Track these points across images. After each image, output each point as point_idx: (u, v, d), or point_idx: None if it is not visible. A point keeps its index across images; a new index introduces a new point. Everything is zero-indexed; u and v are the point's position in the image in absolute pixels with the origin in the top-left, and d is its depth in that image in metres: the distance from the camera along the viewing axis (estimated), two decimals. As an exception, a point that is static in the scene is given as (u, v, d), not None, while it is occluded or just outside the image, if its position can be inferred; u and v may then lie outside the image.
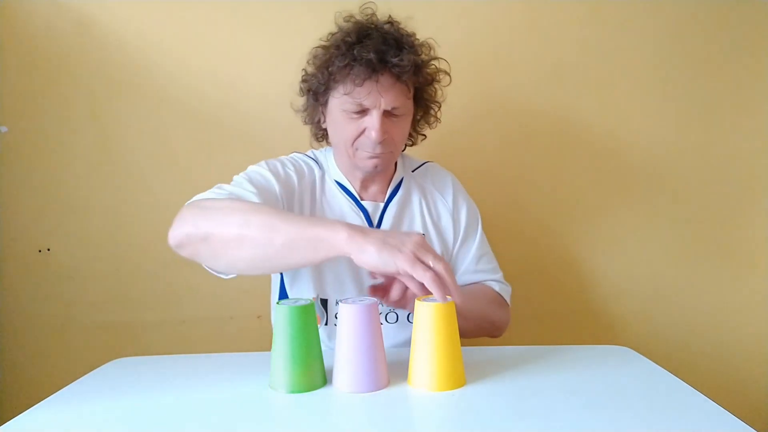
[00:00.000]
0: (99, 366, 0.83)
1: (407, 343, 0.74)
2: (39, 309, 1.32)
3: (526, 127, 1.39)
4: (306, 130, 1.05)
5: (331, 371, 0.73)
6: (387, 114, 0.89)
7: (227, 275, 0.80)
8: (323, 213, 0.97)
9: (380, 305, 0.96)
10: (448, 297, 0.69)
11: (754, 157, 1.41)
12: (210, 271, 0.80)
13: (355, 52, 0.86)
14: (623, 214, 1.42)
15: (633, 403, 0.67)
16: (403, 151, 1.05)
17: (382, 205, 0.99)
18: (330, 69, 0.89)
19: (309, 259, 0.71)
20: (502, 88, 1.38)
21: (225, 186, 0.86)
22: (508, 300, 1.04)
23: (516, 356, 0.84)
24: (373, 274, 0.74)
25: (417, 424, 0.64)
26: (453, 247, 1.03)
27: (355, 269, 0.95)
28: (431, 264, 0.67)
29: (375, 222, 0.98)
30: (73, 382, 0.77)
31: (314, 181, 0.99)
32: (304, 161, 1.00)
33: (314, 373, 0.72)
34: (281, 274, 0.99)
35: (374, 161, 0.92)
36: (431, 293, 0.67)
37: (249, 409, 0.67)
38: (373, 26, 0.90)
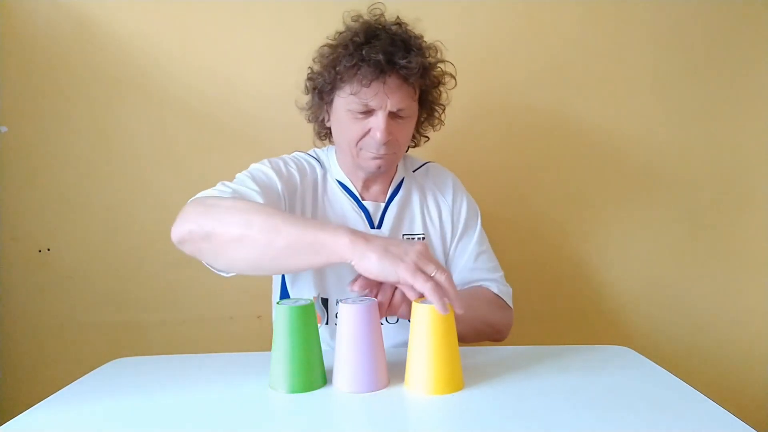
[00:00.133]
0: (99, 366, 0.83)
1: (407, 344, 0.74)
2: (39, 309, 1.32)
3: (526, 127, 1.39)
4: (307, 130, 1.05)
5: (331, 371, 0.73)
6: (392, 115, 0.89)
7: (228, 273, 0.80)
8: (324, 212, 0.97)
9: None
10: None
11: (755, 157, 1.41)
12: (211, 268, 0.80)
13: (363, 52, 0.85)
14: (623, 214, 1.43)
15: (633, 403, 0.67)
16: (406, 152, 1.05)
17: (383, 205, 0.99)
18: (337, 68, 0.89)
19: (309, 263, 0.71)
20: (503, 88, 1.38)
21: (229, 183, 0.86)
22: (509, 302, 1.01)
23: (516, 356, 0.84)
24: (366, 283, 0.73)
25: (417, 425, 0.64)
26: (451, 243, 1.02)
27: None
28: (433, 274, 0.66)
29: (376, 222, 0.98)
30: (73, 382, 0.77)
31: (316, 180, 0.99)
32: (306, 160, 1.00)
33: (314, 373, 0.72)
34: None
35: (377, 162, 0.92)
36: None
37: (249, 409, 0.67)
38: (381, 27, 0.90)
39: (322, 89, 0.94)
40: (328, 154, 1.03)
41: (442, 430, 0.62)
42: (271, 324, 0.74)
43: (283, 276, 0.99)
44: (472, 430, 0.60)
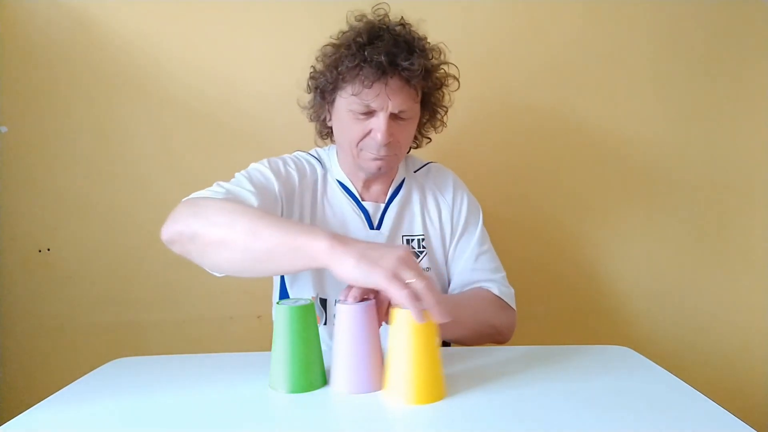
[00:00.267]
0: (99, 366, 0.83)
1: None
2: (39, 309, 1.32)
3: (527, 127, 1.39)
4: (307, 130, 1.05)
5: (330, 371, 0.73)
6: (393, 117, 0.89)
7: (219, 274, 0.80)
8: (324, 212, 0.97)
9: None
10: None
11: (755, 157, 1.41)
12: (203, 267, 0.80)
13: (365, 53, 0.85)
14: (623, 215, 1.43)
15: (633, 403, 0.66)
16: (407, 152, 1.05)
17: (382, 205, 0.99)
18: (339, 69, 0.88)
19: (290, 267, 0.70)
20: (504, 88, 1.38)
21: (224, 184, 0.86)
22: (511, 303, 0.99)
23: (515, 356, 0.84)
24: (359, 294, 0.72)
25: (417, 424, 0.64)
26: (451, 242, 1.01)
27: None
28: (409, 281, 0.63)
29: (375, 223, 0.98)
30: (73, 382, 0.77)
31: (316, 180, 0.99)
32: (306, 160, 1.00)
33: (314, 373, 0.72)
34: (281, 273, 0.99)
35: (378, 163, 0.92)
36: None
37: (249, 409, 0.66)
38: (385, 27, 0.90)
39: (324, 89, 0.93)
40: (329, 153, 1.03)
41: (443, 427, 0.62)
42: (271, 324, 0.74)
43: (282, 276, 0.99)
44: (473, 427, 0.60)
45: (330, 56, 0.91)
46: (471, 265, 1.00)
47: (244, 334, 1.35)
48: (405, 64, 0.85)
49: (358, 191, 0.99)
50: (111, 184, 1.32)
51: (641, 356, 0.84)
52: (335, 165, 1.01)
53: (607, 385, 0.72)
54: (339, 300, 0.72)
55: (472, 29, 1.35)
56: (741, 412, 0.63)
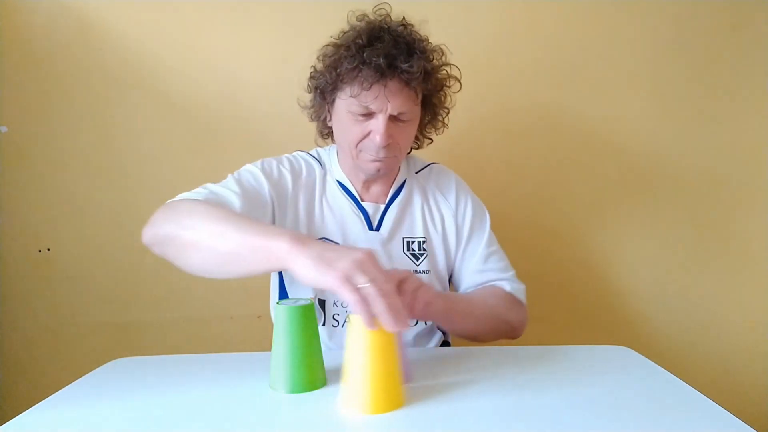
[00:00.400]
0: (99, 366, 0.83)
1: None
2: (39, 309, 1.32)
3: (528, 128, 1.39)
4: (307, 130, 1.05)
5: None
6: (393, 119, 0.88)
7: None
8: (323, 212, 0.97)
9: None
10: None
11: (755, 156, 1.41)
12: (181, 269, 0.80)
13: (364, 55, 0.85)
14: (623, 215, 1.43)
15: (633, 403, 0.67)
16: (408, 153, 1.05)
17: (383, 206, 0.99)
18: (338, 70, 0.88)
19: (255, 268, 0.69)
20: (504, 88, 1.38)
21: (210, 186, 0.87)
22: (522, 299, 1.00)
23: (515, 356, 0.84)
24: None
25: (417, 424, 0.64)
26: (458, 248, 1.01)
27: None
28: (361, 285, 0.61)
29: (375, 224, 0.98)
30: (73, 382, 0.77)
31: (314, 180, 0.98)
32: (304, 160, 1.00)
33: (314, 373, 0.72)
34: (280, 273, 0.99)
35: (377, 165, 0.91)
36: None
37: (249, 409, 0.66)
38: (386, 27, 0.89)
39: (323, 89, 0.93)
40: (329, 153, 1.03)
41: (449, 425, 0.62)
42: (271, 324, 0.74)
43: (281, 277, 0.99)
44: (474, 427, 0.60)
45: (330, 57, 0.91)
46: (481, 267, 1.00)
47: (244, 334, 1.35)
48: (404, 66, 0.85)
49: (357, 192, 0.99)
50: (111, 184, 1.32)
51: (641, 356, 0.84)
52: (335, 165, 1.00)
53: (607, 385, 0.72)
54: None
55: (473, 29, 1.35)
56: (741, 412, 0.63)
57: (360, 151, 0.92)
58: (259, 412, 0.66)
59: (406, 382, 0.71)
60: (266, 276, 1.06)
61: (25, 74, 1.28)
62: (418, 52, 0.87)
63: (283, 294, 0.99)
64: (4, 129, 1.29)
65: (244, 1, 1.31)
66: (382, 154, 0.90)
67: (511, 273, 1.02)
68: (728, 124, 1.40)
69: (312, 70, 0.96)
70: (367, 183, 0.99)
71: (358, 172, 0.97)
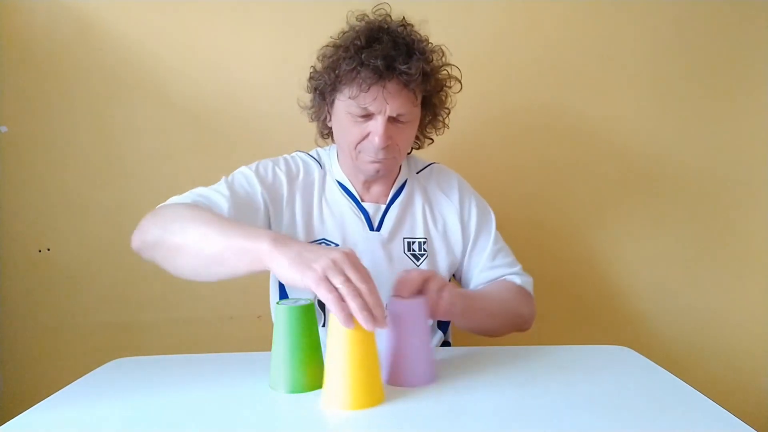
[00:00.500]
0: (99, 366, 0.83)
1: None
2: (39, 309, 1.32)
3: (528, 128, 1.39)
4: (307, 130, 1.05)
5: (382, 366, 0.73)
6: (392, 120, 0.88)
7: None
8: (322, 213, 0.97)
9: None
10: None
11: (755, 156, 1.41)
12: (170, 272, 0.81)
13: (362, 56, 0.84)
14: (623, 215, 1.42)
15: (633, 403, 0.67)
16: (409, 153, 1.05)
17: (383, 207, 0.99)
18: (337, 71, 0.88)
19: (240, 269, 0.70)
20: (505, 89, 1.38)
21: (200, 189, 0.88)
22: (531, 291, 1.02)
23: (515, 356, 0.84)
24: (407, 291, 0.74)
25: (419, 424, 0.64)
26: (465, 247, 1.02)
27: None
28: (339, 285, 0.62)
29: (375, 224, 0.98)
30: (73, 382, 0.77)
31: (312, 181, 0.98)
32: (303, 161, 1.00)
33: (314, 373, 0.71)
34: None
35: (376, 166, 0.91)
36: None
37: (249, 409, 0.66)
38: (385, 28, 0.88)
39: (323, 90, 0.93)
40: (329, 153, 1.03)
41: (449, 425, 0.62)
42: (271, 324, 0.74)
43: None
44: (473, 429, 0.60)
45: (329, 58, 0.91)
46: (490, 263, 1.01)
47: (244, 334, 1.35)
48: (403, 68, 0.84)
49: (358, 192, 0.98)
50: (111, 184, 1.32)
51: (641, 356, 0.84)
52: (335, 165, 1.00)
53: (607, 385, 0.72)
54: (392, 296, 0.73)
55: (474, 29, 1.35)
56: (741, 412, 0.63)
57: (359, 152, 0.91)
58: (259, 412, 0.66)
59: (431, 382, 0.72)
60: (266, 276, 1.06)
61: (25, 74, 1.28)
62: (417, 53, 0.87)
63: (283, 294, 0.99)
64: (4, 129, 1.29)
65: (244, 1, 1.31)
66: (381, 156, 0.90)
67: (518, 267, 1.04)
68: (728, 124, 1.40)
69: (312, 70, 0.96)
70: (368, 183, 0.99)
71: (358, 172, 0.96)
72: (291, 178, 0.96)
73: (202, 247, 0.72)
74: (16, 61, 1.28)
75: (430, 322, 0.97)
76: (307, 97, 0.99)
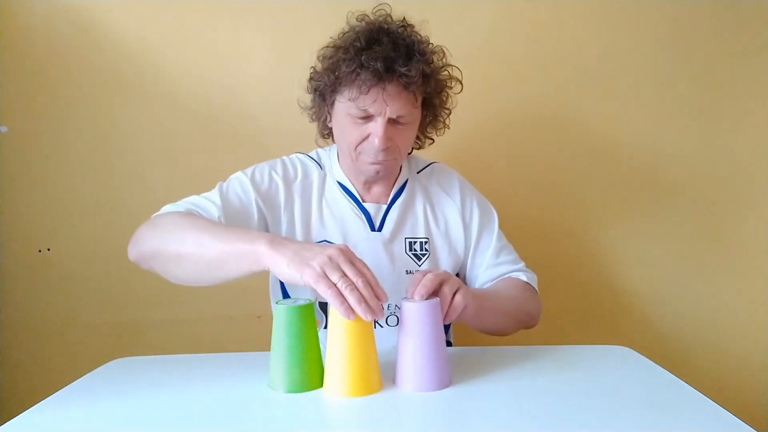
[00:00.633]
0: (99, 366, 0.83)
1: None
2: (39, 309, 1.32)
3: (528, 128, 1.39)
4: (307, 130, 1.05)
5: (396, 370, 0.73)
6: (392, 122, 0.88)
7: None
8: (322, 214, 0.96)
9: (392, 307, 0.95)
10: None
11: (755, 156, 1.41)
12: (169, 281, 0.83)
13: (362, 58, 0.84)
14: (623, 215, 1.42)
15: (633, 403, 0.67)
16: (409, 153, 1.05)
17: (384, 207, 0.98)
18: (337, 73, 0.87)
19: (240, 272, 0.73)
20: (504, 89, 1.38)
21: (192, 198, 0.89)
22: (536, 287, 1.02)
23: (515, 356, 0.84)
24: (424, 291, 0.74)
25: (417, 424, 0.64)
26: (468, 246, 1.02)
27: None
28: (337, 281, 0.65)
29: (377, 224, 0.97)
30: (73, 382, 0.77)
31: (311, 183, 0.98)
32: (302, 162, 1.00)
33: (313, 373, 0.72)
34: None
35: (376, 167, 0.91)
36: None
37: (248, 409, 0.67)
38: (385, 29, 0.88)
39: (323, 91, 0.93)
40: (329, 154, 1.03)
41: (449, 425, 0.62)
42: (271, 324, 0.74)
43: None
44: (473, 429, 0.60)
45: (329, 59, 0.91)
46: (494, 261, 1.01)
47: (244, 334, 1.35)
48: (402, 69, 0.84)
49: (358, 192, 0.98)
50: (111, 184, 1.32)
51: (641, 356, 0.84)
52: (336, 166, 1.00)
53: (607, 385, 0.72)
54: (405, 298, 0.73)
55: (474, 30, 1.35)
56: (741, 412, 0.63)
57: (359, 153, 0.91)
58: (258, 412, 0.66)
59: (447, 386, 0.72)
60: (266, 276, 1.06)
61: (25, 74, 1.28)
62: (417, 54, 0.86)
63: (283, 294, 0.99)
64: (4, 129, 1.29)
65: (244, 1, 1.31)
66: (381, 157, 0.90)
67: (522, 264, 1.04)
68: (728, 124, 1.40)
69: (312, 71, 0.96)
70: (368, 184, 0.98)
71: (359, 173, 0.96)
72: (288, 182, 0.96)
73: (200, 255, 0.74)
74: (16, 61, 1.28)
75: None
76: (308, 98, 0.99)
